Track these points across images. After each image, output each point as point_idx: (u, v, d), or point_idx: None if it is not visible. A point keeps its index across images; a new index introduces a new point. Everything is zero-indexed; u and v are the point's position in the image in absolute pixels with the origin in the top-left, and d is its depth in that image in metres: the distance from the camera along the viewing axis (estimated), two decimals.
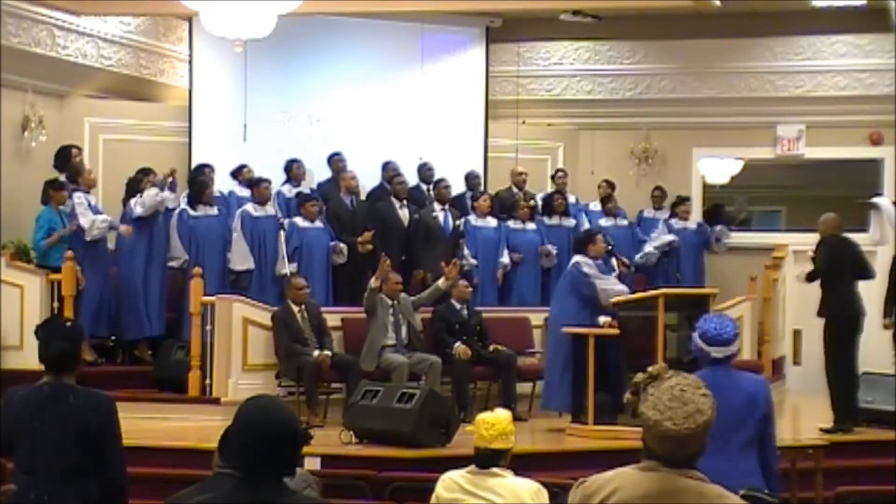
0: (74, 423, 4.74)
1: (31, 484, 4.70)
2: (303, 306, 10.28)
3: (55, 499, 4.69)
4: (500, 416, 5.37)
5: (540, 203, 12.95)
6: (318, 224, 11.68)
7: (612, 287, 9.97)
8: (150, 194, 10.94)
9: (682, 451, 3.11)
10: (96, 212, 11.01)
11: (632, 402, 3.27)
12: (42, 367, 4.95)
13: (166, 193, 11.09)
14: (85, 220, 10.77)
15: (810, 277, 10.19)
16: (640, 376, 3.27)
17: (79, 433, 4.73)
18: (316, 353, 9.98)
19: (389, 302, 10.38)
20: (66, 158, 11.33)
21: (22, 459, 4.72)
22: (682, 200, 13.48)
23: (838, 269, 9.89)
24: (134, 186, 11.21)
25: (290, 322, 10.18)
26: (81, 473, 4.75)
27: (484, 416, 5.38)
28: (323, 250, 11.59)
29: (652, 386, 3.18)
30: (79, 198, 10.87)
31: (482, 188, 13.20)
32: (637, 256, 13.03)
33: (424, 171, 12.96)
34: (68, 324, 5.26)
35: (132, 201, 11.04)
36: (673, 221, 13.29)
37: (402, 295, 10.52)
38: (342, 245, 11.64)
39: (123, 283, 11.14)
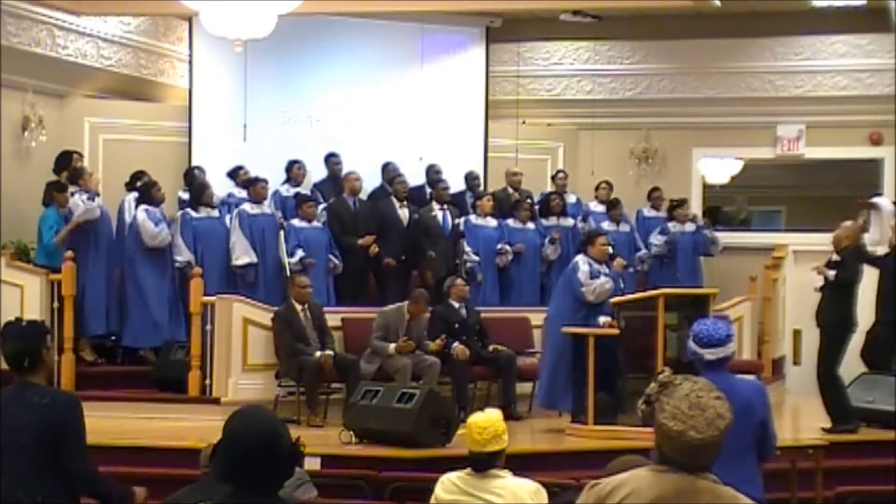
0: (35, 422, 4.72)
1: None
2: (305, 305, 10.27)
3: (20, 498, 4.67)
4: (492, 417, 5.34)
5: (537, 204, 12.94)
6: (317, 224, 11.68)
7: (600, 287, 9.84)
8: (163, 235, 11.02)
9: (703, 458, 3.10)
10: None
11: (646, 412, 3.24)
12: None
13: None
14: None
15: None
16: (651, 387, 3.24)
17: (39, 432, 4.71)
18: (318, 353, 9.97)
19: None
20: (65, 163, 11.30)
21: None
22: (680, 203, 13.30)
23: (856, 282, 9.94)
24: (145, 192, 11.18)
25: (293, 321, 10.14)
26: (45, 472, 4.73)
27: (475, 419, 5.33)
28: (322, 251, 11.55)
29: (664, 394, 3.15)
30: (74, 203, 10.86)
31: (482, 188, 13.17)
32: (637, 255, 12.98)
33: (432, 174, 12.89)
34: (24, 323, 5.18)
35: (140, 216, 11.03)
36: (670, 224, 13.13)
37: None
38: (338, 262, 11.64)
39: (129, 288, 11.16)
